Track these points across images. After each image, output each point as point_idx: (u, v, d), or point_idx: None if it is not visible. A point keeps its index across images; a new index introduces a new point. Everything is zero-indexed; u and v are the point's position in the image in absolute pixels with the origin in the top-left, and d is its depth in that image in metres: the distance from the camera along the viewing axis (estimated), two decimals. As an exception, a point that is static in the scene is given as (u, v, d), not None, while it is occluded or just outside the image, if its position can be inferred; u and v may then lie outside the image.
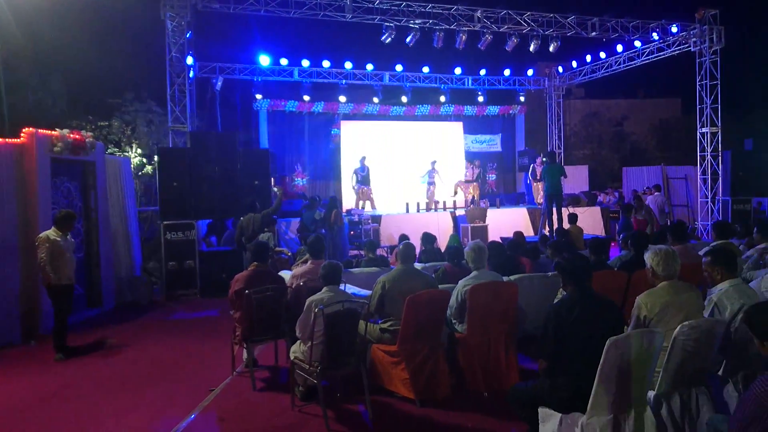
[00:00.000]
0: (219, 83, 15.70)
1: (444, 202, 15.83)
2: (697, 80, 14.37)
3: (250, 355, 5.46)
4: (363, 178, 15.80)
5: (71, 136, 7.93)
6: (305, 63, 16.41)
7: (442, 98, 18.36)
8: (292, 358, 4.76)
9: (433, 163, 16.62)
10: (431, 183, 16.44)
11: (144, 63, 16.47)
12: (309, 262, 5.71)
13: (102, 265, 8.77)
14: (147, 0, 12.50)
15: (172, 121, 11.54)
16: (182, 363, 6.21)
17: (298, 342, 4.72)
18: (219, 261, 10.06)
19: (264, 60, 15.79)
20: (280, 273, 6.16)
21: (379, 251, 9.88)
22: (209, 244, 11.61)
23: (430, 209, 15.55)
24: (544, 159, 15.39)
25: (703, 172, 14.55)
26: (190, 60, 12.68)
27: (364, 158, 16.00)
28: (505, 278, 5.53)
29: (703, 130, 14.38)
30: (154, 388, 5.40)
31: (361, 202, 15.56)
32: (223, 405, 4.92)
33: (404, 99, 17.88)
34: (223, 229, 11.96)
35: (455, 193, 15.91)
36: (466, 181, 16.60)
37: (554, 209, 12.53)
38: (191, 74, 13.32)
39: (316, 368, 4.38)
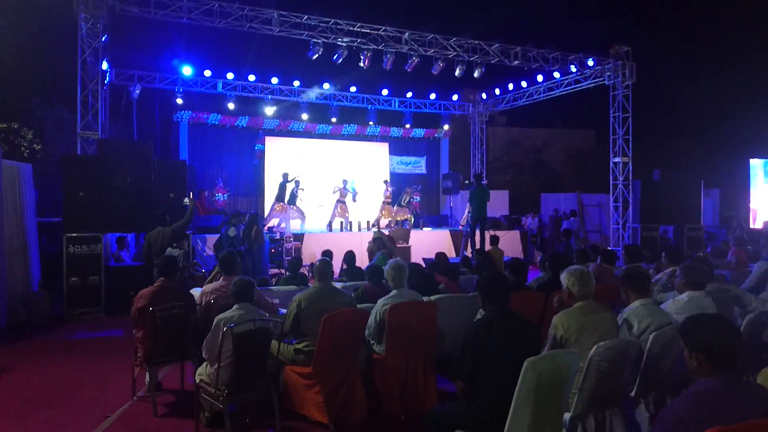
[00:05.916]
0: (137, 92, 14.96)
1: (368, 222, 15.73)
2: (611, 112, 15.10)
3: (153, 378, 5.06)
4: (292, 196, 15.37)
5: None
6: (230, 75, 15.99)
7: (371, 122, 18.36)
8: (197, 380, 4.43)
9: (345, 182, 16.45)
10: (340, 201, 16.19)
11: (55, 66, 15.48)
12: (221, 278, 5.39)
13: (-8, 280, 8.03)
14: (59, -3, 11.73)
15: (82, 128, 10.83)
16: (77, 387, 5.67)
17: (205, 363, 4.40)
18: (127, 277, 9.43)
19: (186, 70, 15.22)
20: (191, 290, 5.80)
21: (300, 270, 9.59)
22: (119, 259, 10.91)
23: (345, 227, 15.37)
24: (467, 182, 15.59)
25: (615, 200, 15.23)
26: (105, 65, 12.01)
27: (289, 176, 15.69)
28: (425, 298, 5.42)
29: (616, 159, 15.09)
30: (41, 415, 4.87)
31: (294, 221, 15.13)
32: (119, 433, 4.50)
33: (334, 120, 17.75)
34: (136, 243, 11.30)
35: (381, 214, 15.87)
36: (386, 202, 16.55)
37: (477, 231, 12.65)
38: (106, 80, 12.61)
39: (222, 392, 4.08)
